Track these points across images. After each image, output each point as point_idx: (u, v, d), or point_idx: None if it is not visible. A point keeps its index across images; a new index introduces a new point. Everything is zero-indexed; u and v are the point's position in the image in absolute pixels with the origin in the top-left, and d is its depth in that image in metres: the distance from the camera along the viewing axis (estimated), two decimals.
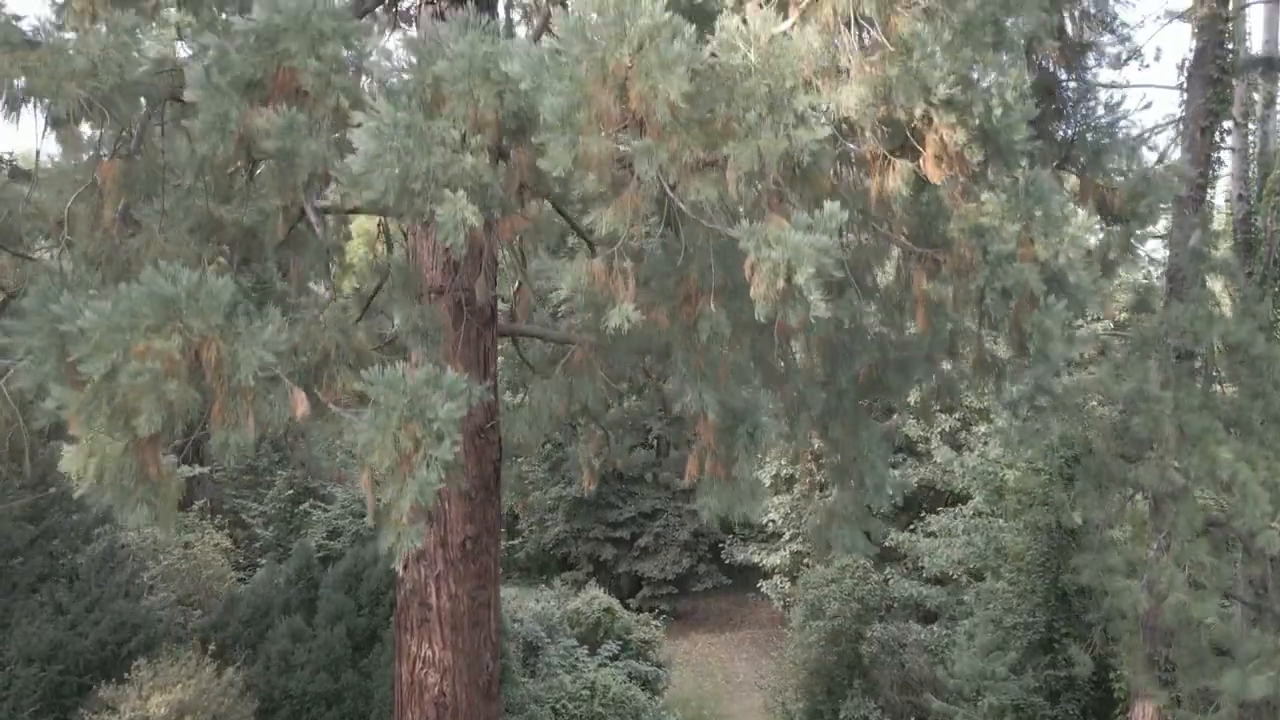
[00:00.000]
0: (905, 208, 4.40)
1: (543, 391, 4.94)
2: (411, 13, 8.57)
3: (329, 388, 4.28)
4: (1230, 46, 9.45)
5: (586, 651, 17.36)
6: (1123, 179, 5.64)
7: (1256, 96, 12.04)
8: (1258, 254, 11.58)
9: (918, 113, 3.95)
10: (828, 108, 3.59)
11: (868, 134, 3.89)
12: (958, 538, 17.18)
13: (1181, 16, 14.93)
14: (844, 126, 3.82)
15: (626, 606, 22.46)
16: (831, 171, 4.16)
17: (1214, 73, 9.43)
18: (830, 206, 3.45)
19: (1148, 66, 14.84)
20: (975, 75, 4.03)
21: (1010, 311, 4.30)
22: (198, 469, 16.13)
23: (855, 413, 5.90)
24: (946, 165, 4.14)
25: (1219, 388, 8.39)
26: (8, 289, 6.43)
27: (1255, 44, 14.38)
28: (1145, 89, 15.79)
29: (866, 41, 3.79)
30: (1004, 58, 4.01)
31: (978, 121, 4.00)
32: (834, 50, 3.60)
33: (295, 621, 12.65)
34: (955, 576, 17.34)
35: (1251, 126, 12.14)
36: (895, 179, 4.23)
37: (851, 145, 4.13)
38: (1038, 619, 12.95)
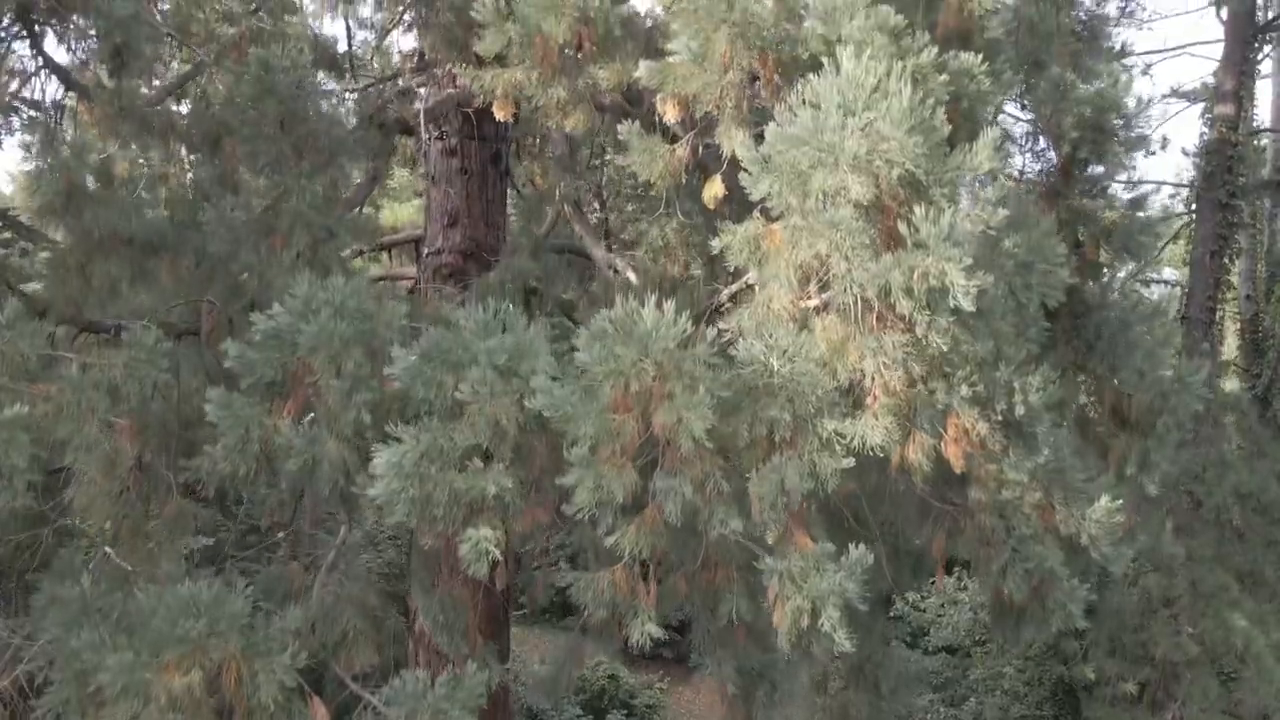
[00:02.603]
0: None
1: (562, 656, 4.94)
2: (424, 148, 8.54)
3: (348, 665, 4.26)
4: (1240, 171, 9.44)
5: None
6: (1140, 378, 5.62)
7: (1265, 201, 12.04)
8: (1266, 357, 11.56)
9: (939, 405, 3.93)
10: (851, 439, 3.57)
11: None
12: (964, 605, 17.11)
13: (1189, 98, 14.92)
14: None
15: (628, 651, 22.38)
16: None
17: (1223, 198, 9.41)
18: (856, 552, 3.44)
19: (1153, 154, 14.77)
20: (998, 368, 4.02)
21: (1032, 584, 4.29)
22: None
23: (871, 611, 5.87)
24: (967, 444, 4.13)
25: (1233, 520, 8.35)
26: None
27: (1265, 124, 14.39)
28: (1153, 184, 15.75)
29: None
30: (1024, 352, 4.00)
31: (1000, 417, 3.99)
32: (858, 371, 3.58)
33: None
34: (962, 644, 17.26)
35: (1259, 226, 12.13)
36: (916, 451, 4.21)
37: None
38: (1045, 713, 12.91)
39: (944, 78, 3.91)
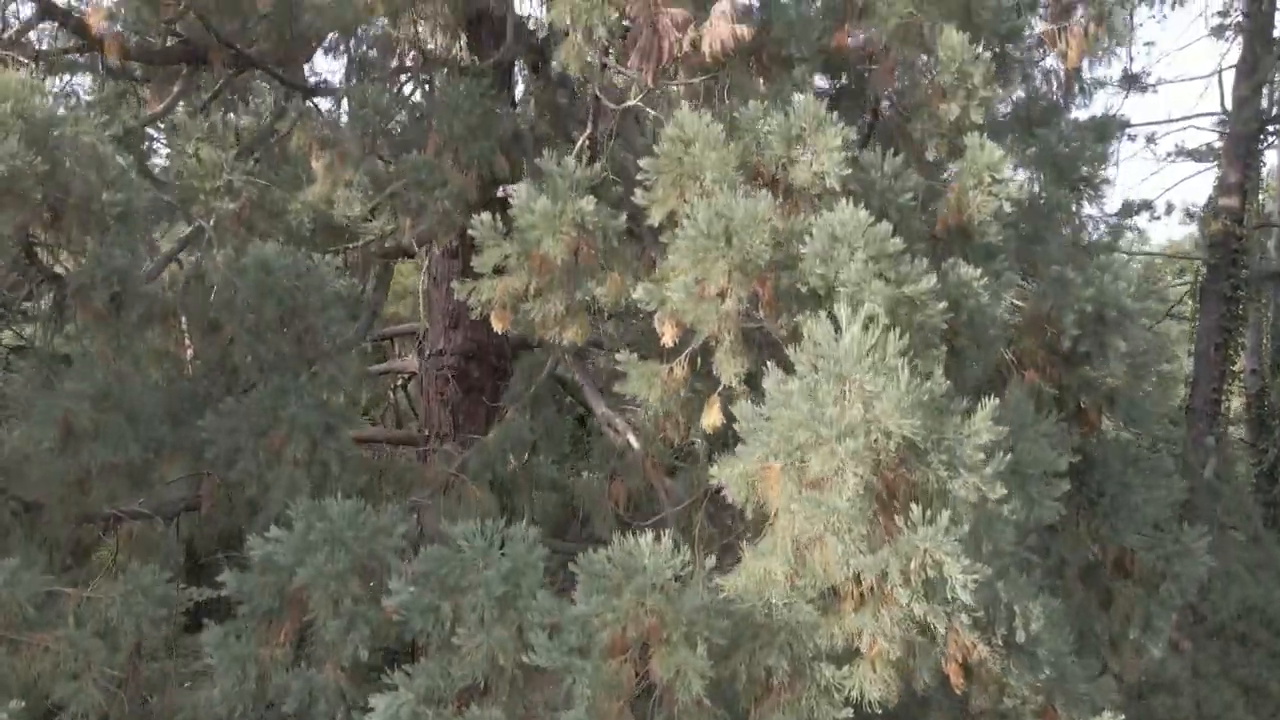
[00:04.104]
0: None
1: None
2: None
3: None
4: (1244, 263, 9.40)
5: None
6: (1144, 540, 5.60)
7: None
8: (1274, 434, 11.50)
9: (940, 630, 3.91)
10: (850, 688, 3.56)
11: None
12: None
13: (1193, 156, 14.84)
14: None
15: None
16: None
17: (1227, 290, 9.37)
18: None
19: (1158, 218, 14.71)
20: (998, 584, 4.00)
21: None
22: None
23: None
24: (967, 660, 4.11)
25: (1239, 630, 8.30)
26: None
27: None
28: (1159, 256, 15.68)
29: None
30: (1029, 580, 3.99)
31: (1001, 641, 3.96)
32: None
33: None
34: None
35: (1265, 301, 12.08)
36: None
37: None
38: None
39: (942, 305, 3.91)
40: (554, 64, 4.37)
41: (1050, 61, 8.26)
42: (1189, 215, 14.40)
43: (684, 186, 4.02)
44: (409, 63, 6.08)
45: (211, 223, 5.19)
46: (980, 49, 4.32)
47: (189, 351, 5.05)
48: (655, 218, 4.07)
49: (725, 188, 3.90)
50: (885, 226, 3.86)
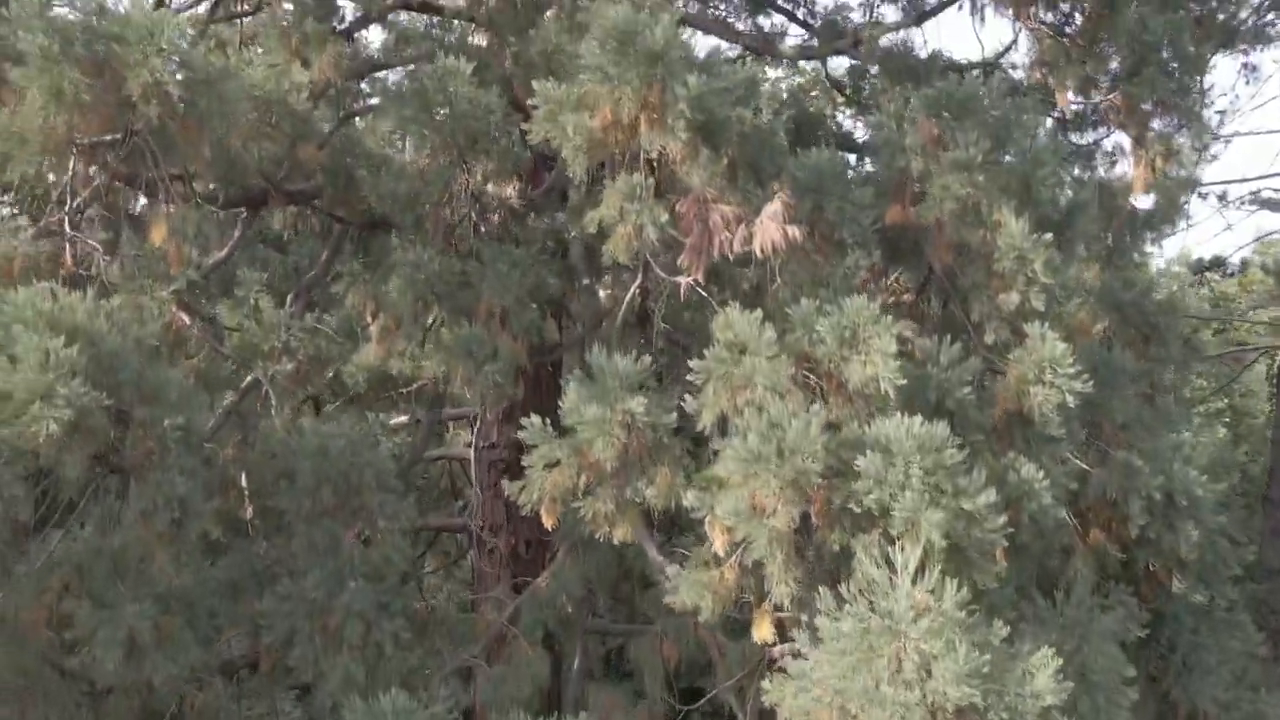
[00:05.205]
0: None
1: None
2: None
3: None
4: None
5: None
6: (1218, 705, 5.40)
7: None
8: None
9: None
10: None
11: None
12: None
13: (1269, 206, 14.32)
14: None
15: None
16: None
17: None
18: None
19: (1231, 275, 14.21)
20: None
21: None
22: None
23: None
24: None
25: None
26: None
27: None
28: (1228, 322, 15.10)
29: None
30: None
31: None
32: None
33: None
34: None
35: None
36: None
37: None
38: None
39: (1003, 519, 3.79)
40: (603, 255, 4.35)
41: (1118, 137, 8.00)
42: (1265, 271, 13.89)
43: (735, 390, 3.98)
44: (460, 195, 6.12)
45: (269, 379, 5.29)
46: (1040, 233, 4.21)
47: (249, 510, 5.14)
48: (705, 422, 4.03)
49: (777, 397, 3.85)
50: (942, 432, 3.77)
